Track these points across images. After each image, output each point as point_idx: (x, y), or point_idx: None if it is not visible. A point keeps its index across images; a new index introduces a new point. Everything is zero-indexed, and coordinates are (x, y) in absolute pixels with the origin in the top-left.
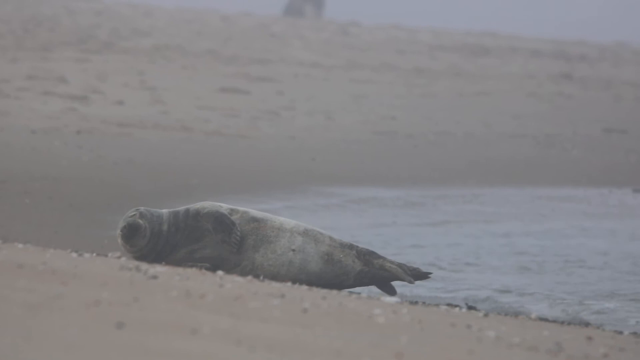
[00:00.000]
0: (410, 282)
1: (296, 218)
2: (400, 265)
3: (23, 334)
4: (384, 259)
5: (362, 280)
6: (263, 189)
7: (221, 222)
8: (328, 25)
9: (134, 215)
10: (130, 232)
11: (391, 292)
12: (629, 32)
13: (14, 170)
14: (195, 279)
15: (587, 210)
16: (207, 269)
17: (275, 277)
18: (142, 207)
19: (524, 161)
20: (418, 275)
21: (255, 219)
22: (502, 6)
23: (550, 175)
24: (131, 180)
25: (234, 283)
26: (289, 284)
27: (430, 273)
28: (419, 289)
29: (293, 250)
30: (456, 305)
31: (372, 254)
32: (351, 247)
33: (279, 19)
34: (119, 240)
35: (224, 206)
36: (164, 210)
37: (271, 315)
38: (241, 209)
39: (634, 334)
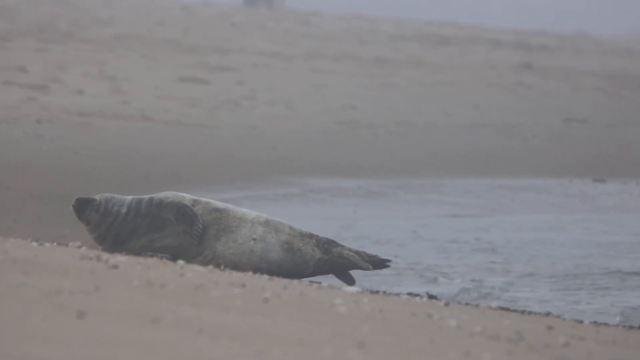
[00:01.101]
0: (368, 269)
1: (257, 208)
2: (358, 253)
3: None
4: (343, 247)
5: (321, 268)
6: (223, 178)
7: (184, 213)
8: (289, 15)
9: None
10: (80, 205)
11: (350, 281)
12: (588, 22)
13: None
14: (156, 268)
15: (547, 199)
16: (167, 259)
17: (236, 265)
18: (107, 193)
19: (485, 151)
20: (376, 262)
21: (217, 210)
22: None
23: (510, 165)
24: (92, 169)
25: (195, 272)
26: (250, 273)
27: (389, 260)
28: (380, 277)
29: (254, 239)
30: (417, 295)
31: (330, 242)
32: (311, 236)
33: (240, 9)
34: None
35: (186, 197)
36: (129, 197)
37: (233, 304)
38: (203, 199)
39: (594, 323)
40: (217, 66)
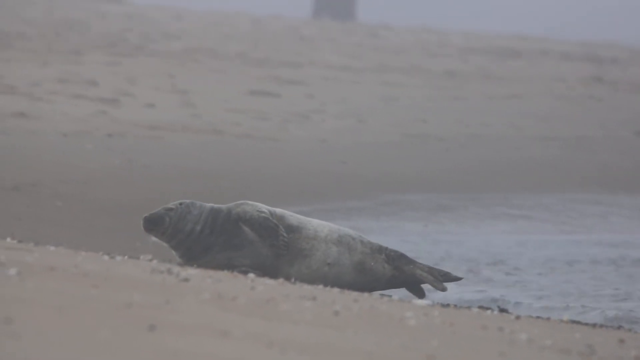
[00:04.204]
0: (444, 290)
1: (327, 222)
2: (430, 270)
3: (54, 337)
4: (414, 264)
5: (393, 283)
6: (293, 191)
7: (266, 227)
8: (358, 28)
9: (171, 208)
10: (147, 225)
11: (421, 295)
12: None
13: (45, 174)
14: (226, 281)
15: (619, 213)
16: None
17: None
18: (188, 200)
19: (554, 164)
20: (449, 279)
21: (290, 229)
22: (532, 9)
23: (580, 178)
24: (162, 183)
25: (265, 286)
26: (321, 286)
27: (461, 278)
28: (451, 291)
29: (328, 264)
30: (488, 308)
31: (401, 257)
32: (380, 250)
33: (309, 22)
34: None
35: (261, 206)
36: (207, 206)
37: (303, 317)
38: (278, 210)
39: None
40: (286, 79)
